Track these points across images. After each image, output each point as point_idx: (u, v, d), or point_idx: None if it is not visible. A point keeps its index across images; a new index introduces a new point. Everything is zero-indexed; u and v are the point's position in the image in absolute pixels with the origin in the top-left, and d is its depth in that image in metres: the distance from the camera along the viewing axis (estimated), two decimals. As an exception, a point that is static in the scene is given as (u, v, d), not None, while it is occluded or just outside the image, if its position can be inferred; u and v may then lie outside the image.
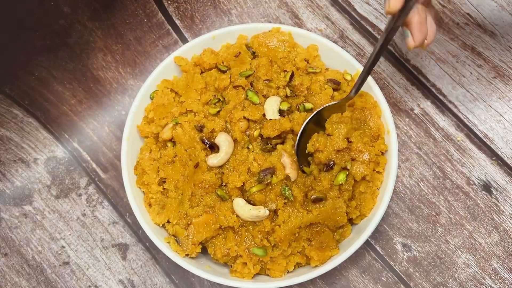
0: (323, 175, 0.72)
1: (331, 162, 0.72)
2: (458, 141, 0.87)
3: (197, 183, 0.72)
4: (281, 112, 0.75)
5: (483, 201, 0.84)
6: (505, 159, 0.86)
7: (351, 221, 0.76)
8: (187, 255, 0.74)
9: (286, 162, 0.71)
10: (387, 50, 0.92)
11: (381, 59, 0.91)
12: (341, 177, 0.71)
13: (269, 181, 0.70)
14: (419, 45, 0.68)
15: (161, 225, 0.76)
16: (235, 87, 0.76)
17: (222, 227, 0.72)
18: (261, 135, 0.74)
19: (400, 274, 0.82)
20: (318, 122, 0.76)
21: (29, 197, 0.87)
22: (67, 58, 0.93)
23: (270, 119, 0.73)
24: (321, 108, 0.75)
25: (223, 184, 0.73)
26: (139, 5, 0.95)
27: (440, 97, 0.89)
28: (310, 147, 0.74)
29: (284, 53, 0.80)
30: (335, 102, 0.76)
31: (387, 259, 0.82)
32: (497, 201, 0.84)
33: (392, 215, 0.84)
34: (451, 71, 0.90)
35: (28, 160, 0.89)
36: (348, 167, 0.73)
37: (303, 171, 0.74)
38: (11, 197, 0.87)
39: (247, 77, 0.77)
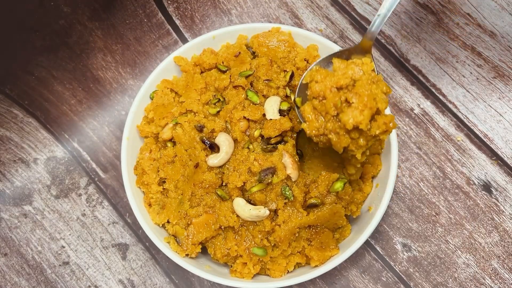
0: (321, 179, 0.71)
1: (323, 98, 0.64)
2: (458, 141, 0.87)
3: (197, 183, 0.72)
4: (281, 112, 0.74)
5: (483, 201, 0.84)
6: (505, 159, 0.86)
7: (351, 219, 0.76)
8: (187, 255, 0.74)
9: (287, 162, 0.71)
10: (387, 50, 0.92)
11: (381, 59, 0.91)
12: (338, 185, 0.70)
13: (269, 180, 0.70)
14: None
15: (161, 225, 0.76)
16: (235, 87, 0.76)
17: (222, 227, 0.72)
18: (261, 135, 0.74)
19: (400, 274, 0.82)
20: None
21: (29, 197, 0.87)
22: (67, 58, 0.93)
23: (271, 119, 0.73)
24: (332, 54, 0.70)
25: (223, 184, 0.73)
26: (139, 5, 0.95)
27: (440, 97, 0.89)
28: (306, 77, 0.67)
29: (284, 53, 0.80)
30: (346, 48, 0.71)
31: (387, 259, 0.82)
32: (497, 201, 0.84)
33: (392, 215, 0.84)
34: (451, 71, 0.90)
35: (28, 160, 0.89)
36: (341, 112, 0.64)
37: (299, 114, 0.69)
38: (11, 197, 0.87)
39: (247, 77, 0.77)
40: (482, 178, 0.85)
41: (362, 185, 0.77)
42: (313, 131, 0.65)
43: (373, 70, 0.66)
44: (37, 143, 0.90)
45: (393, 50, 0.92)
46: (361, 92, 0.61)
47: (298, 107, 0.69)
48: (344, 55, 0.71)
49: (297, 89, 0.71)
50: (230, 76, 0.77)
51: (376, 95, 0.62)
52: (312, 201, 0.70)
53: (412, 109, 0.89)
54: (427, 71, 0.90)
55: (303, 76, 0.68)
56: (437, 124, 0.88)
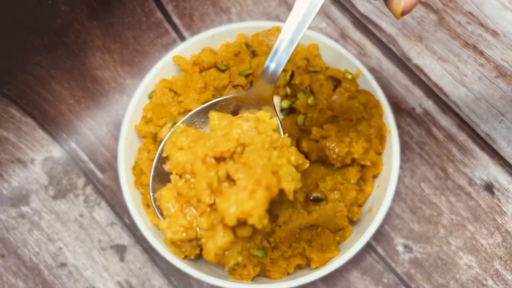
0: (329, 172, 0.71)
1: (191, 175, 0.45)
2: (460, 141, 0.86)
3: (196, 183, 0.72)
4: (282, 111, 0.74)
5: (485, 201, 0.83)
6: (507, 159, 0.85)
7: (351, 221, 0.76)
8: (186, 257, 0.73)
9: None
10: (388, 49, 0.91)
11: (382, 58, 0.91)
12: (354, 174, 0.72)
13: (269, 181, 0.69)
14: (395, 6, 0.51)
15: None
16: (235, 86, 0.76)
17: (221, 228, 0.71)
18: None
19: (402, 275, 0.81)
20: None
21: (26, 197, 0.87)
22: (65, 57, 0.92)
23: None
24: (210, 104, 0.57)
25: (222, 184, 0.72)
26: (137, 3, 0.95)
27: (442, 96, 0.89)
28: (166, 147, 0.51)
29: (284, 52, 0.79)
30: (234, 95, 0.56)
31: (388, 261, 0.82)
32: (499, 201, 0.83)
33: (393, 216, 0.84)
34: (452, 71, 0.90)
35: (26, 160, 0.88)
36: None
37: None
38: (8, 198, 0.87)
39: (246, 76, 0.76)
40: (484, 179, 0.85)
41: (363, 186, 0.76)
42: (177, 234, 0.41)
43: (276, 130, 0.45)
44: (34, 143, 0.89)
45: (394, 49, 0.91)
46: (252, 161, 0.39)
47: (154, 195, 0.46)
48: (231, 105, 0.49)
49: (153, 165, 0.47)
50: (230, 75, 0.77)
51: (278, 167, 0.41)
52: (316, 194, 0.70)
53: (413, 109, 0.88)
54: (429, 71, 0.90)
55: (162, 144, 0.45)
56: (439, 124, 0.87)
